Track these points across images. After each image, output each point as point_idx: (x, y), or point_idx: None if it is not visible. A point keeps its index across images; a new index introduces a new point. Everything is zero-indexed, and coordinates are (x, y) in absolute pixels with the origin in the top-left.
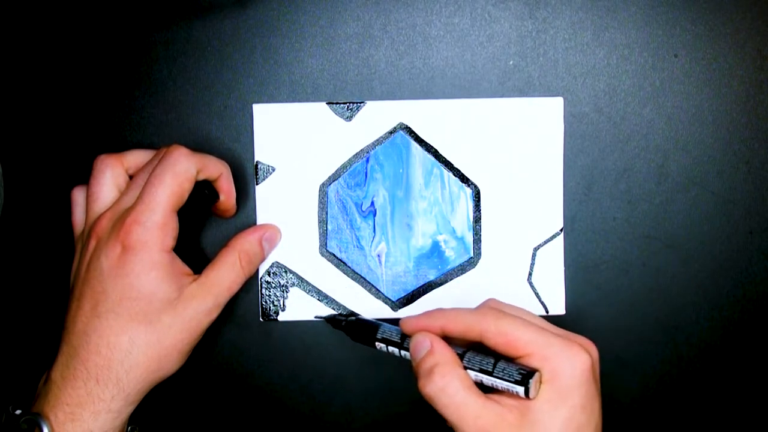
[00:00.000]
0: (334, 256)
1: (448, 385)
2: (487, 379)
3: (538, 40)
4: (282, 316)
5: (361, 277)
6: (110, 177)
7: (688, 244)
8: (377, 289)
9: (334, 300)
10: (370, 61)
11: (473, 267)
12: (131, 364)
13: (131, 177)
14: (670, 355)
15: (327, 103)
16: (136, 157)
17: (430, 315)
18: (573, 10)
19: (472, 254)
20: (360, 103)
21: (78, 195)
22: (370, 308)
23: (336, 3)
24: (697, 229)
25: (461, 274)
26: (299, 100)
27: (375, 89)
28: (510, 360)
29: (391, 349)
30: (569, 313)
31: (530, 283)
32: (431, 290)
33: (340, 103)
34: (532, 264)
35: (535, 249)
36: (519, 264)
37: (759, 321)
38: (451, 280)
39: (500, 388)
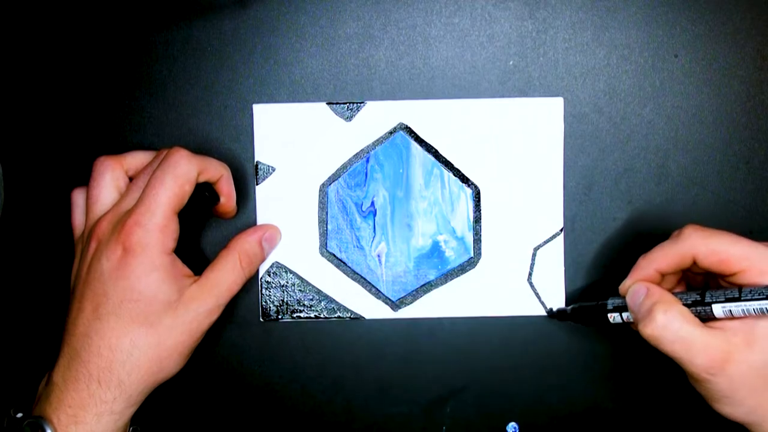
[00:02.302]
0: (334, 256)
1: (670, 321)
2: (736, 307)
3: (538, 40)
4: (282, 316)
5: (361, 277)
6: (110, 179)
7: None
8: (377, 289)
9: (334, 300)
10: (370, 61)
11: (473, 267)
12: (132, 366)
13: (131, 178)
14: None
15: (327, 103)
16: (136, 159)
17: (638, 266)
18: (573, 10)
19: (472, 254)
20: (360, 103)
21: (78, 196)
22: (370, 308)
23: (336, 3)
24: None
25: (461, 274)
26: (299, 100)
27: (375, 89)
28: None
29: (625, 315)
30: None
31: (530, 283)
32: (431, 290)
33: (340, 103)
34: (532, 264)
35: (535, 249)
36: (519, 264)
37: None
38: (451, 280)
39: (748, 313)
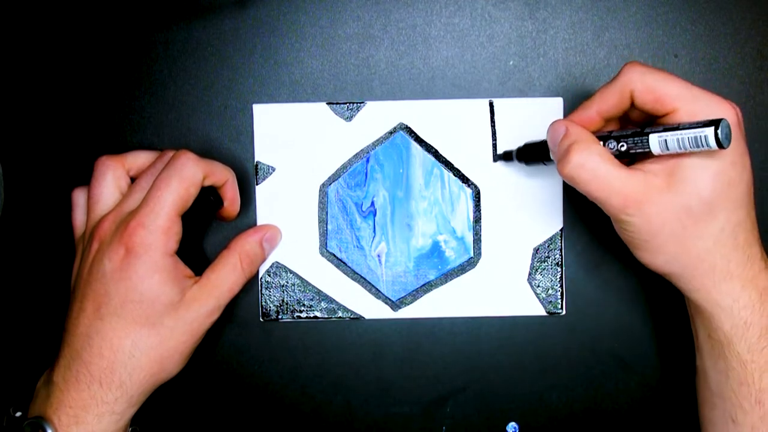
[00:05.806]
0: (334, 256)
1: (586, 160)
2: (672, 136)
3: (538, 40)
4: (282, 316)
5: (361, 277)
6: (111, 179)
7: None
8: (377, 289)
9: (334, 300)
10: (370, 61)
11: (473, 267)
12: (134, 367)
13: (132, 178)
14: (669, 355)
15: (327, 103)
16: (137, 159)
17: (578, 108)
18: (573, 10)
19: (472, 254)
20: (360, 103)
21: (78, 196)
22: (370, 308)
23: (336, 3)
24: None
25: (461, 274)
26: (299, 100)
27: (375, 89)
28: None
29: None
30: (569, 313)
31: (530, 283)
32: (431, 290)
33: (340, 103)
34: (532, 264)
35: (535, 249)
36: (519, 264)
37: None
38: (451, 280)
39: (683, 148)
